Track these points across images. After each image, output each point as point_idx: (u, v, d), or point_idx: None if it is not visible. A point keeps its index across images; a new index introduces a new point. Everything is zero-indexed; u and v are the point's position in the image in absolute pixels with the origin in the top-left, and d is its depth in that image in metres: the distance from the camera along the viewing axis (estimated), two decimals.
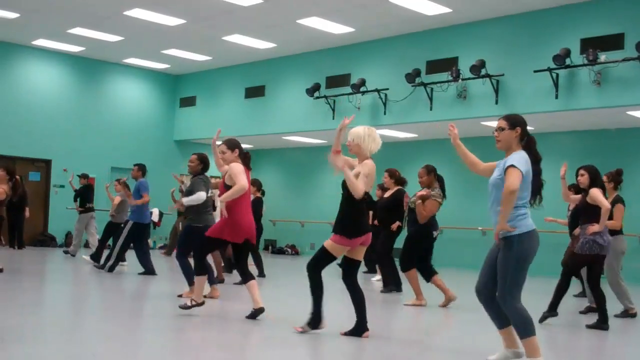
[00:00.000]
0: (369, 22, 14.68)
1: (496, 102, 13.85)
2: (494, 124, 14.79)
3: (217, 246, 7.14)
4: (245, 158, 6.93)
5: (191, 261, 7.43)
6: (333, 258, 6.00)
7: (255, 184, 11.64)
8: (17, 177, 15.93)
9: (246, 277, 6.81)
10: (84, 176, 15.04)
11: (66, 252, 14.90)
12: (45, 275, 11.59)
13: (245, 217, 6.77)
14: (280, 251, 20.31)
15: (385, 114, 15.62)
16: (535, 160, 4.78)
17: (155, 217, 14.37)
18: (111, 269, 11.15)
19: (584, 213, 7.43)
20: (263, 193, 12.10)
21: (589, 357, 6.30)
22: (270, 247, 20.89)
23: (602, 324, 7.22)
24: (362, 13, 14.11)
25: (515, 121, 4.81)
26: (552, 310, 7.43)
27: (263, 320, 6.73)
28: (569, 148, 15.64)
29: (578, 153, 15.48)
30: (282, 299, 9.11)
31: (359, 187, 5.77)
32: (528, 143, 4.81)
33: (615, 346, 6.84)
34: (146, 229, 11.31)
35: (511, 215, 4.60)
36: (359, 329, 6.03)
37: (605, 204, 7.18)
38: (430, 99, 14.80)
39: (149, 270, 11.14)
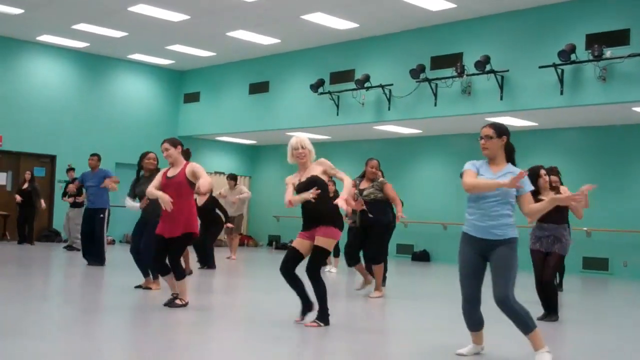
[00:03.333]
0: (373, 17, 14.65)
1: (501, 98, 13.82)
2: (498, 120, 14.84)
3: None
4: (187, 154, 7.33)
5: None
6: (329, 253, 6.33)
7: None
8: (27, 173, 16.07)
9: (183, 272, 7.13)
10: (72, 169, 15.09)
11: (71, 249, 14.88)
12: (50, 271, 11.61)
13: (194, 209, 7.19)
14: (284, 247, 20.31)
15: (389, 109, 15.59)
16: None
17: None
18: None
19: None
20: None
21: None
22: (274, 243, 20.90)
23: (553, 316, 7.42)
24: (367, 8, 14.09)
25: (501, 130, 5.06)
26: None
27: (264, 317, 6.74)
28: (574, 144, 15.61)
29: (583, 149, 15.46)
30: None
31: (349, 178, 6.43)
32: (510, 153, 5.13)
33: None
34: None
35: (508, 221, 4.92)
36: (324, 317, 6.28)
37: None
38: (435, 94, 14.77)
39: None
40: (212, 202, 12.44)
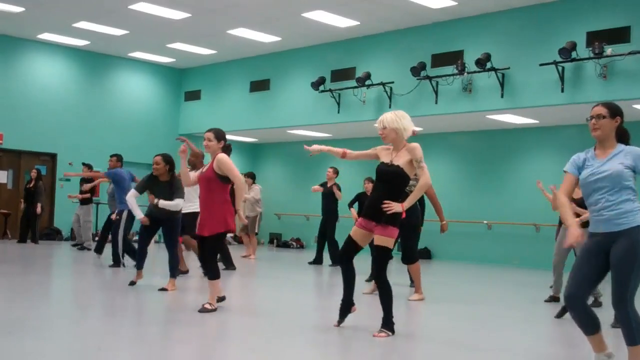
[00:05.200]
0: (374, 15, 14.64)
1: (502, 96, 13.82)
2: (499, 117, 14.86)
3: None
4: (227, 149, 6.93)
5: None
6: (391, 252, 5.89)
7: None
8: (34, 171, 16.06)
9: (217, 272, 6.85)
10: (88, 166, 15.11)
11: (82, 248, 14.79)
12: (52, 269, 11.62)
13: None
14: (285, 245, 20.32)
15: (390, 107, 15.58)
16: None
17: None
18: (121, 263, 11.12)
19: None
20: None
21: None
22: (275, 241, 20.90)
23: None
24: (367, 6, 14.08)
25: (615, 110, 4.58)
26: None
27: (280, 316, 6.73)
28: (575, 141, 15.53)
29: (584, 146, 15.41)
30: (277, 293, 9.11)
31: (428, 177, 5.80)
32: (623, 136, 4.61)
33: None
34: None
35: (629, 208, 4.36)
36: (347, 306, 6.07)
37: None
38: (436, 92, 14.76)
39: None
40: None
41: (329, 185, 13.16)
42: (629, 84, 12.22)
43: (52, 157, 18.61)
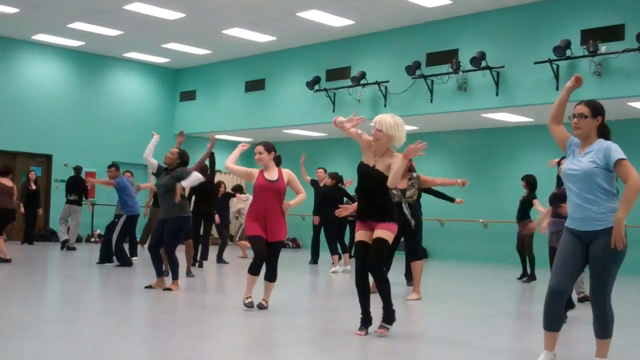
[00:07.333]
0: (368, 14, 14.65)
1: (497, 94, 13.84)
2: (494, 115, 14.89)
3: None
4: (278, 160, 7.30)
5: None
6: (389, 246, 5.87)
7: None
8: (32, 172, 16.15)
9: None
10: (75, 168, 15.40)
11: (68, 248, 14.88)
12: (48, 270, 11.61)
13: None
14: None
15: (385, 106, 15.60)
16: None
17: None
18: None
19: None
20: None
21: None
22: None
23: None
24: (362, 5, 14.09)
25: (597, 109, 4.57)
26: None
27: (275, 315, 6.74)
28: None
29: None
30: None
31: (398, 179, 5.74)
32: (604, 133, 4.61)
33: None
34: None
35: (610, 208, 4.39)
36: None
37: None
38: (431, 91, 14.78)
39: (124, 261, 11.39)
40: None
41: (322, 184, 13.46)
42: (624, 82, 12.25)
43: (48, 158, 18.58)
